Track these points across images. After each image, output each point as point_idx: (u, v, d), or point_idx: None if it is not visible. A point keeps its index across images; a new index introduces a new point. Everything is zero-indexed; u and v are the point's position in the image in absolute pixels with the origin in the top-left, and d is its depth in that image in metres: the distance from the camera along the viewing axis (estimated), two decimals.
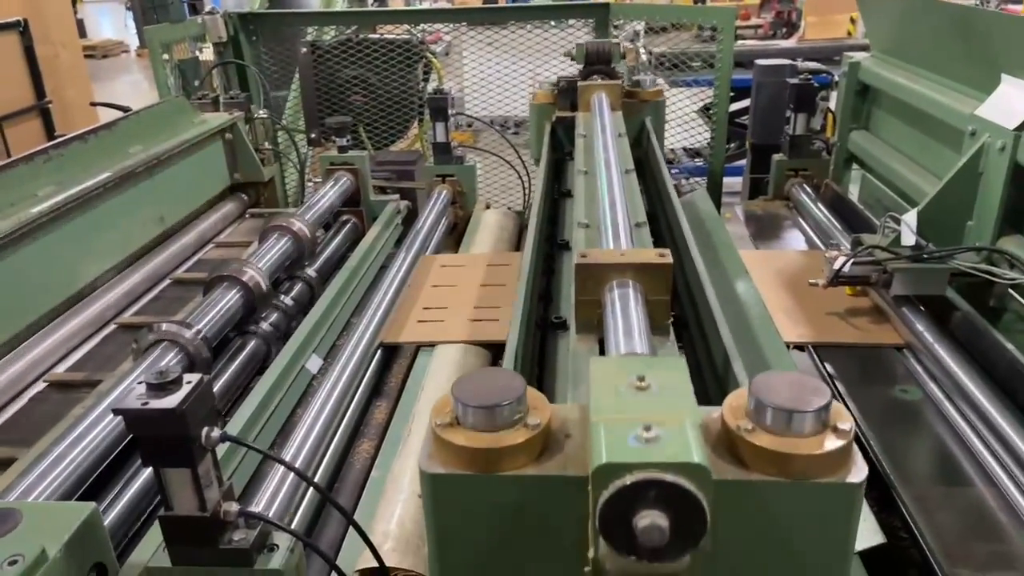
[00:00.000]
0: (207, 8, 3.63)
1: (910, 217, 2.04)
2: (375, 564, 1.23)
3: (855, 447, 0.79)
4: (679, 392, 0.80)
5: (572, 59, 2.85)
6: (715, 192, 3.60)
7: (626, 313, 1.16)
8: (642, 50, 5.92)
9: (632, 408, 0.76)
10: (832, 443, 0.76)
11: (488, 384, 0.84)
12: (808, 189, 3.03)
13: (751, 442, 0.76)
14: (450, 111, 3.14)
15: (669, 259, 1.24)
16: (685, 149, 6.68)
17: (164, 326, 1.86)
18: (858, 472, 0.77)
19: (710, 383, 1.48)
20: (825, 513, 0.78)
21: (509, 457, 0.78)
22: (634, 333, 1.11)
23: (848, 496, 0.77)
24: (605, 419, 0.75)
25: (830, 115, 3.30)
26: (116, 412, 1.04)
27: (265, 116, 3.23)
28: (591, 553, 0.74)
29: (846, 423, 0.78)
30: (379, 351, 2.04)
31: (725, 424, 0.80)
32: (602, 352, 1.19)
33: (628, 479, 0.68)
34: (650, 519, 0.68)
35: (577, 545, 0.77)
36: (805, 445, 0.76)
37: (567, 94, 2.74)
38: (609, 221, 1.49)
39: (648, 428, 0.72)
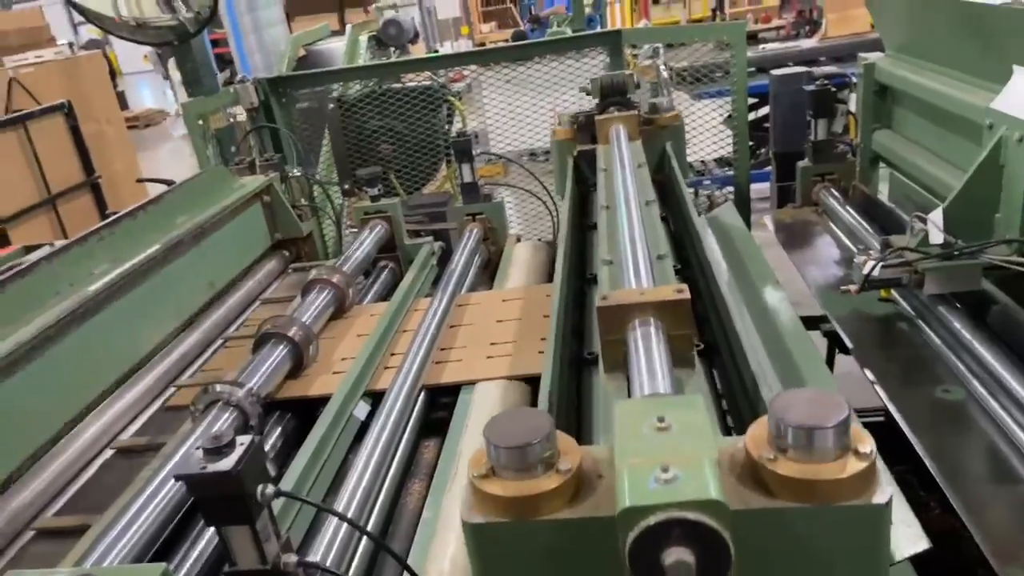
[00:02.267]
0: (238, 77, 3.80)
1: (936, 215, 2.04)
2: None
3: (879, 468, 0.81)
4: (697, 430, 0.83)
5: (588, 94, 2.91)
6: (743, 203, 3.61)
7: (648, 352, 1.21)
8: (662, 67, 5.96)
9: (653, 450, 0.80)
10: (854, 466, 0.78)
11: (518, 426, 0.89)
12: (836, 193, 3.03)
13: (774, 471, 0.79)
14: (474, 150, 3.23)
15: (686, 295, 1.28)
16: (716, 160, 6.67)
17: (218, 387, 1.96)
18: (883, 493, 0.79)
19: (743, 405, 1.50)
20: (853, 535, 0.80)
21: (543, 502, 0.83)
22: (657, 372, 1.16)
23: (875, 517, 0.79)
24: (628, 463, 0.79)
25: (851, 116, 3.30)
26: (178, 478, 1.12)
27: (299, 174, 3.36)
28: None
29: (867, 446, 0.81)
30: (422, 392, 2.10)
31: (749, 454, 0.83)
32: (629, 391, 1.23)
33: (652, 520, 0.73)
34: (676, 556, 0.72)
35: None
36: (827, 470, 0.78)
37: (586, 128, 2.80)
38: (630, 257, 1.54)
39: (666, 469, 0.76)
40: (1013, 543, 1.40)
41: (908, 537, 1.28)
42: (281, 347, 2.19)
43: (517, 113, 4.16)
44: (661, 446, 0.81)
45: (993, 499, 1.52)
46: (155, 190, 2.98)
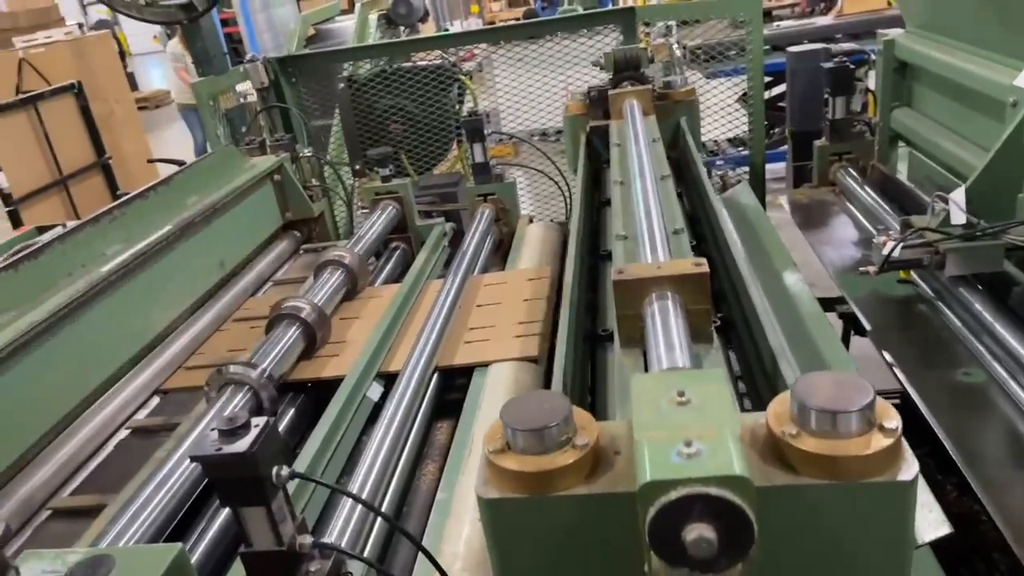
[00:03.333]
0: (248, 56, 3.77)
1: (958, 195, 2.00)
2: None
3: (904, 444, 0.79)
4: (719, 404, 0.81)
5: (601, 68, 2.87)
6: (758, 183, 3.57)
7: (666, 326, 1.18)
8: (675, 45, 5.88)
9: (673, 424, 0.79)
10: (879, 442, 0.76)
11: (535, 408, 0.88)
12: (854, 172, 2.99)
13: (797, 447, 0.78)
14: (486, 130, 3.19)
15: (705, 268, 1.25)
16: (729, 140, 6.60)
17: (232, 368, 1.96)
18: (908, 470, 0.77)
19: (760, 383, 1.48)
20: (878, 512, 0.78)
21: (560, 478, 0.81)
22: (675, 346, 1.13)
23: (900, 494, 0.77)
24: (648, 436, 0.77)
25: (870, 95, 3.25)
26: (193, 459, 1.11)
27: (310, 154, 3.34)
28: (646, 567, 0.77)
29: (892, 421, 0.79)
30: (435, 374, 2.09)
31: (770, 430, 0.81)
32: (646, 366, 1.21)
33: (673, 495, 0.71)
34: (697, 532, 0.70)
35: (635, 559, 0.79)
36: (852, 446, 0.76)
37: (599, 103, 2.76)
38: (646, 231, 1.51)
39: (689, 443, 0.75)
40: None
41: (930, 522, 1.27)
42: (294, 328, 2.18)
43: (529, 93, 4.12)
44: (682, 420, 0.79)
45: (1014, 482, 1.50)
46: (166, 171, 2.96)
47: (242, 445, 1.08)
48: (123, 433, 2.08)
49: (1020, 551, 1.33)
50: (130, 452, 2.00)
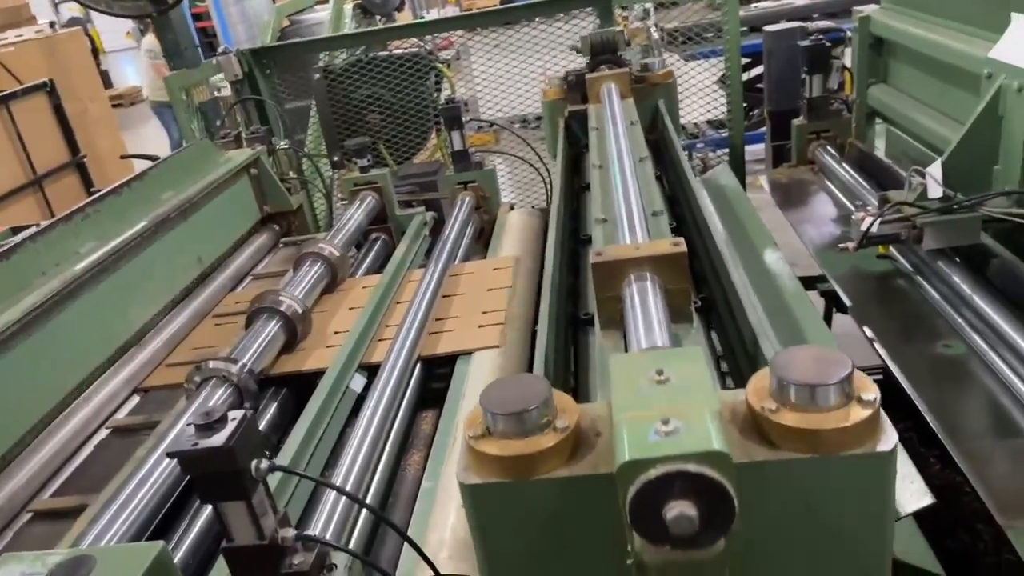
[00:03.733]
0: (220, 48, 3.72)
1: (934, 168, 2.01)
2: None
3: (883, 416, 0.79)
4: (697, 382, 0.81)
5: (578, 52, 2.86)
6: (738, 165, 3.57)
7: (645, 307, 1.18)
8: (653, 29, 5.85)
9: (652, 403, 0.78)
10: (858, 414, 0.77)
11: (515, 392, 0.87)
12: (832, 150, 2.99)
13: (776, 422, 0.78)
14: (464, 118, 3.17)
15: (683, 248, 1.25)
16: (708, 122, 6.59)
17: (211, 363, 1.94)
18: (887, 440, 0.77)
19: (742, 361, 1.48)
20: (858, 484, 0.78)
21: (541, 461, 0.81)
22: (654, 326, 1.13)
23: (880, 465, 0.77)
24: (626, 416, 0.77)
25: (847, 72, 3.25)
26: (170, 455, 1.10)
27: (287, 146, 3.30)
28: (629, 548, 0.76)
29: (870, 393, 0.79)
30: (418, 364, 2.08)
31: (750, 406, 0.81)
32: (626, 347, 1.21)
33: (652, 473, 0.71)
34: (678, 509, 0.70)
35: (619, 540, 0.79)
36: (831, 419, 0.76)
37: (577, 87, 2.75)
38: (624, 214, 1.51)
39: (666, 421, 0.74)
40: (1019, 497, 1.39)
41: (912, 493, 1.28)
42: (274, 322, 2.16)
43: (507, 79, 4.09)
44: (660, 399, 0.79)
45: (996, 453, 1.51)
46: (141, 167, 2.92)
47: (219, 439, 1.07)
48: (103, 433, 2.06)
49: (1003, 521, 1.34)
50: (111, 451, 1.97)
